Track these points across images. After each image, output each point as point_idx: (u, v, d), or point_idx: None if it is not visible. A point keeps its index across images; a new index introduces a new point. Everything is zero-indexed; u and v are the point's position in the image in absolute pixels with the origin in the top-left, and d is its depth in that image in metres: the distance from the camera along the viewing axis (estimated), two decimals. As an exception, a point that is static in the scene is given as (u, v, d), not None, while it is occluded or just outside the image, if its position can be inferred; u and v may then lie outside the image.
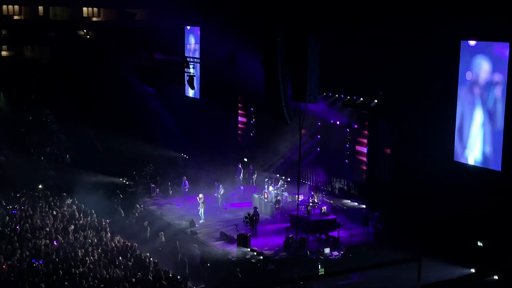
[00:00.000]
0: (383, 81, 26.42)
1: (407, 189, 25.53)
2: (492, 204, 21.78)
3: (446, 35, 22.85)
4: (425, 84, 24.13)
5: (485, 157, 22.29)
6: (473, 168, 22.75)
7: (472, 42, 22.31)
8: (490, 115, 21.93)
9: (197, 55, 36.70)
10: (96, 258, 21.01)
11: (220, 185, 28.91)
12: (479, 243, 22.49)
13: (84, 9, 43.70)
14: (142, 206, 28.72)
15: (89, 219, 25.59)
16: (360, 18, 26.43)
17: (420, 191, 24.61)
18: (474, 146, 22.70)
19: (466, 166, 23.05)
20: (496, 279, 19.97)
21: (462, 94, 22.95)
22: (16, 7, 41.74)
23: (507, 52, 20.93)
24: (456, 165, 23.43)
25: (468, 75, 22.57)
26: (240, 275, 20.82)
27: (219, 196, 28.68)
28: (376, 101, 27.06)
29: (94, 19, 44.06)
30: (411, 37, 24.04)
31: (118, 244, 22.94)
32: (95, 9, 44.14)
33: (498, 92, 21.47)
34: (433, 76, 23.79)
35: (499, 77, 21.41)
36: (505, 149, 21.47)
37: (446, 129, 23.70)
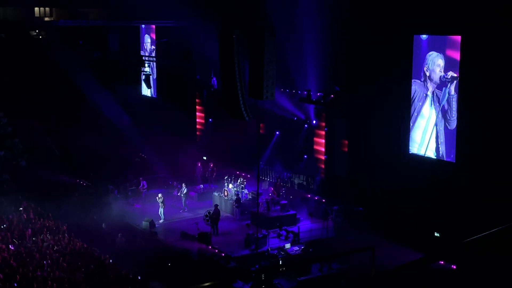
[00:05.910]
0: (339, 76, 26.71)
1: (365, 182, 25.90)
2: (448, 195, 22.28)
3: (399, 30, 23.24)
4: (381, 79, 24.46)
5: (439, 149, 22.76)
6: (428, 160, 23.21)
7: (424, 36, 22.72)
8: (443, 109, 22.40)
9: (153, 53, 36.40)
10: (54, 261, 20.67)
11: (183, 184, 28.85)
12: (436, 234, 22.96)
13: (36, 9, 42.78)
14: (100, 207, 28.33)
15: (46, 222, 25.14)
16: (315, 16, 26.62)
17: (378, 183, 24.98)
18: (429, 139, 23.14)
19: (421, 158, 23.51)
20: (453, 269, 20.50)
21: (417, 89, 23.36)
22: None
23: (458, 47, 21.38)
24: (412, 158, 23.89)
25: (423, 70, 22.99)
26: None
27: (182, 195, 28.59)
28: (332, 96, 27.33)
29: (47, 19, 43.16)
30: (365, 32, 24.37)
31: (77, 247, 22.61)
32: (47, 9, 43.23)
33: (452, 87, 21.92)
34: (388, 71, 24.14)
35: (452, 73, 21.86)
36: (459, 141, 21.98)
37: (402, 123, 24.13)
